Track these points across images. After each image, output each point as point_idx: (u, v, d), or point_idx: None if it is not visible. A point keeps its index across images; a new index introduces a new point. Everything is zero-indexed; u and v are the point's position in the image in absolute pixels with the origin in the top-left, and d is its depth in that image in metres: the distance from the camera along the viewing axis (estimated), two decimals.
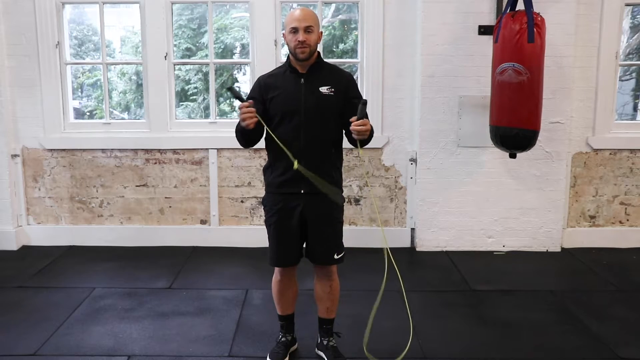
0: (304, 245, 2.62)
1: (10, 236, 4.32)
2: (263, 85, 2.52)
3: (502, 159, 4.17)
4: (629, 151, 4.37)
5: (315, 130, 2.45)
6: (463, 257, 4.19)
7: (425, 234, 4.32)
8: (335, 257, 2.58)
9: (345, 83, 2.52)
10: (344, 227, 2.66)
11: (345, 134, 2.57)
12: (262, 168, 2.66)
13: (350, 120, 2.36)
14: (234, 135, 2.56)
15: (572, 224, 4.43)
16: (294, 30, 2.40)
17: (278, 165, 2.51)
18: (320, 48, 4.32)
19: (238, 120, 2.41)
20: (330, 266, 2.61)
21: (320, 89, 2.46)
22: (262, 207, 2.65)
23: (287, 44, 2.46)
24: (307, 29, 2.40)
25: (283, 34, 2.50)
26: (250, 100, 2.39)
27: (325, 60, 2.59)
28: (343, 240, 2.64)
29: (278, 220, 2.54)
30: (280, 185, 2.51)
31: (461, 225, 4.29)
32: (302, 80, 2.47)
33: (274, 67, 4.18)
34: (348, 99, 2.50)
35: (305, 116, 2.44)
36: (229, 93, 2.36)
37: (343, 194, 2.65)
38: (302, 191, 2.48)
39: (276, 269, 2.66)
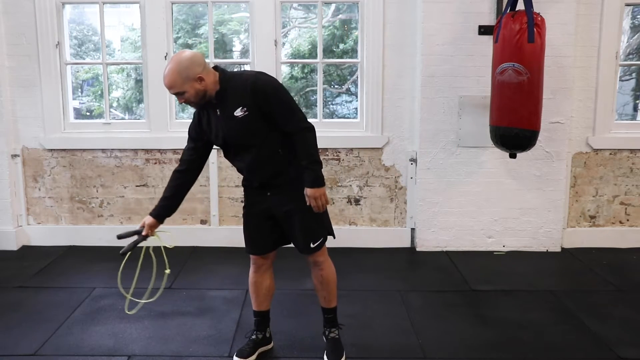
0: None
1: (10, 236, 4.32)
2: (197, 124, 2.56)
3: (502, 159, 4.17)
4: (629, 151, 4.37)
5: (251, 150, 2.46)
6: (463, 257, 4.19)
7: (425, 234, 4.32)
8: (312, 245, 2.56)
9: (250, 95, 2.37)
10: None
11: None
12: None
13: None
14: None
15: (572, 224, 4.43)
16: None
17: (241, 174, 2.65)
18: (319, 49, 4.35)
19: None
20: (313, 255, 2.60)
21: (235, 113, 2.40)
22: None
23: None
24: (178, 95, 2.39)
25: None
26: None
27: (232, 72, 2.50)
28: (324, 227, 2.62)
29: (247, 213, 2.67)
30: (250, 189, 2.64)
31: (461, 225, 4.29)
32: (218, 111, 2.45)
33: (274, 67, 4.25)
34: (266, 108, 2.39)
35: (235, 143, 2.48)
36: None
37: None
38: (268, 193, 2.56)
39: (251, 261, 2.72)
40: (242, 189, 4.23)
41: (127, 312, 2.72)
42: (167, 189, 2.67)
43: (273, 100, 2.39)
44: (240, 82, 2.41)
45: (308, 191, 2.44)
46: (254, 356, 2.70)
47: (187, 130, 2.62)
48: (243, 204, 2.72)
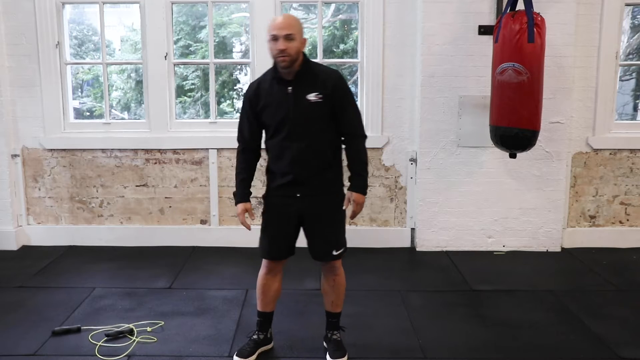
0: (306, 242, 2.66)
1: (10, 236, 4.31)
2: (253, 97, 2.54)
3: (502, 159, 4.17)
4: (629, 151, 4.37)
5: (306, 138, 2.48)
6: (463, 257, 4.19)
7: (425, 234, 4.32)
8: (334, 253, 2.60)
9: (335, 86, 2.48)
10: (346, 227, 2.67)
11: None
12: (262, 168, 2.71)
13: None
14: (234, 135, 2.64)
15: (572, 224, 4.43)
16: (274, 38, 2.40)
17: (274, 170, 2.57)
18: (319, 49, 4.35)
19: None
20: (332, 261, 2.64)
21: (307, 96, 2.45)
22: (262, 200, 2.69)
23: (270, 52, 2.46)
24: (287, 37, 2.38)
25: (268, 42, 2.48)
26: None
27: (313, 61, 2.56)
28: (346, 237, 2.67)
29: (272, 216, 2.61)
30: (278, 188, 2.57)
31: (461, 225, 4.29)
32: (290, 89, 2.47)
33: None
34: (337, 105, 2.49)
35: (295, 126, 2.47)
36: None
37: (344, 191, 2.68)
38: (297, 195, 2.54)
39: (263, 263, 2.70)
40: None
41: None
42: (241, 171, 2.64)
43: (348, 101, 2.53)
44: (322, 71, 2.53)
45: (354, 196, 2.53)
46: (254, 356, 2.70)
47: (242, 106, 2.59)
48: (265, 207, 2.65)
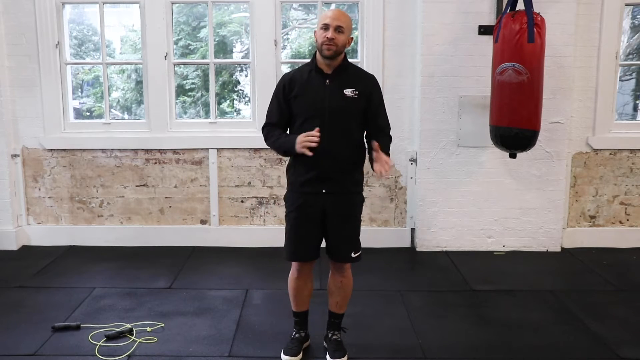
0: (324, 242, 2.66)
1: (10, 236, 4.31)
2: (287, 84, 2.56)
3: (502, 159, 4.17)
4: (629, 151, 4.37)
5: (338, 131, 2.50)
6: (463, 257, 4.19)
7: (425, 234, 4.32)
8: (353, 255, 2.63)
9: (370, 86, 2.57)
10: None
11: (365, 137, 2.63)
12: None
13: (374, 149, 2.46)
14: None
15: (572, 224, 4.43)
16: (325, 27, 2.45)
17: (300, 165, 2.55)
18: None
19: (282, 140, 2.53)
20: (345, 263, 2.66)
21: (344, 91, 2.51)
22: (284, 202, 2.68)
23: (316, 40, 2.51)
24: (338, 29, 2.44)
25: (315, 31, 2.55)
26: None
27: (350, 61, 2.60)
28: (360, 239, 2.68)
29: (298, 217, 2.59)
30: (303, 184, 2.55)
31: (461, 225, 4.29)
32: (328, 81, 2.51)
33: (274, 67, 4.25)
34: (371, 104, 2.56)
35: (329, 118, 2.49)
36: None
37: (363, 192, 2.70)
38: (323, 191, 2.53)
39: (293, 265, 2.69)
40: (241, 189, 4.27)
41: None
42: (280, 133, 2.58)
43: (380, 102, 2.62)
44: (360, 71, 2.66)
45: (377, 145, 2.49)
46: (301, 354, 2.72)
47: (274, 92, 2.61)
48: (289, 208, 2.63)
